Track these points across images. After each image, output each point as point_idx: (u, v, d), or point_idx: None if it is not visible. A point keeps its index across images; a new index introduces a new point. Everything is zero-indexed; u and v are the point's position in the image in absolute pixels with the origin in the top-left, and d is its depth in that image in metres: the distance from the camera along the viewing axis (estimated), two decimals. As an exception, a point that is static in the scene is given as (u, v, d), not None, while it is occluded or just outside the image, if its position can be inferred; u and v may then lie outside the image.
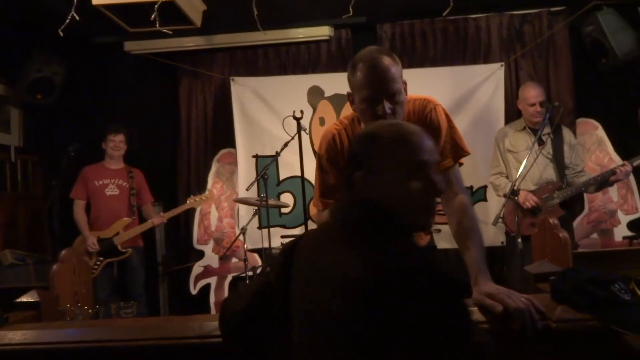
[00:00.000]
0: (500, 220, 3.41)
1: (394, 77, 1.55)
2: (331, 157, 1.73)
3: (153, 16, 2.92)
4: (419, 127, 1.14)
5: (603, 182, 3.46)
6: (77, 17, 2.80)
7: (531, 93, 3.54)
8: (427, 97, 1.72)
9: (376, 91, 1.54)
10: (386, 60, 1.56)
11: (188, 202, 4.06)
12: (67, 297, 2.36)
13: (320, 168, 1.77)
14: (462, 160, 1.75)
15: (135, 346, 1.32)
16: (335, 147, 1.72)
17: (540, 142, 3.43)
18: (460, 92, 4.14)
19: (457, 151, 1.71)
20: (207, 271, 4.44)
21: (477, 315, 1.30)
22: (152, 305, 4.27)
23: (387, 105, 1.53)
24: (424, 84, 4.00)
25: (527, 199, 3.43)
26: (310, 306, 0.98)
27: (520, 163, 3.29)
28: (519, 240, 3.08)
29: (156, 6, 2.89)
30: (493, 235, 3.97)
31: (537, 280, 1.58)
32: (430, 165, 1.09)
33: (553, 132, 3.52)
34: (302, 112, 3.33)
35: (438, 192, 1.09)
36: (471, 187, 4.11)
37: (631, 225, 4.11)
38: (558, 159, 3.52)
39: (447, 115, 1.71)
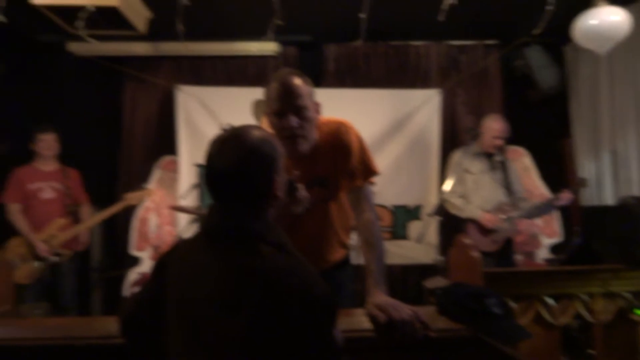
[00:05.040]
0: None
1: (301, 93, 1.67)
2: None
3: (86, 16, 2.92)
4: None
5: (547, 207, 3.71)
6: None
7: (499, 126, 3.67)
8: (341, 120, 1.83)
9: (282, 104, 1.65)
10: (295, 80, 1.68)
11: (125, 198, 3.99)
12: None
13: None
14: (373, 179, 1.86)
15: (33, 345, 1.34)
16: None
17: (493, 168, 3.64)
18: (399, 114, 4.33)
19: (367, 172, 1.82)
20: (144, 278, 4.38)
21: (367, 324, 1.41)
22: (85, 312, 4.16)
23: (294, 119, 1.64)
24: (366, 104, 4.19)
25: (490, 220, 3.57)
26: (182, 308, 1.05)
27: (476, 185, 3.48)
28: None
29: (88, 9, 2.90)
30: (425, 253, 4.15)
31: (429, 294, 1.71)
32: None
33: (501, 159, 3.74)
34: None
35: None
36: (404, 206, 4.27)
37: (554, 249, 4.39)
38: (506, 184, 3.71)
39: (358, 138, 1.82)
